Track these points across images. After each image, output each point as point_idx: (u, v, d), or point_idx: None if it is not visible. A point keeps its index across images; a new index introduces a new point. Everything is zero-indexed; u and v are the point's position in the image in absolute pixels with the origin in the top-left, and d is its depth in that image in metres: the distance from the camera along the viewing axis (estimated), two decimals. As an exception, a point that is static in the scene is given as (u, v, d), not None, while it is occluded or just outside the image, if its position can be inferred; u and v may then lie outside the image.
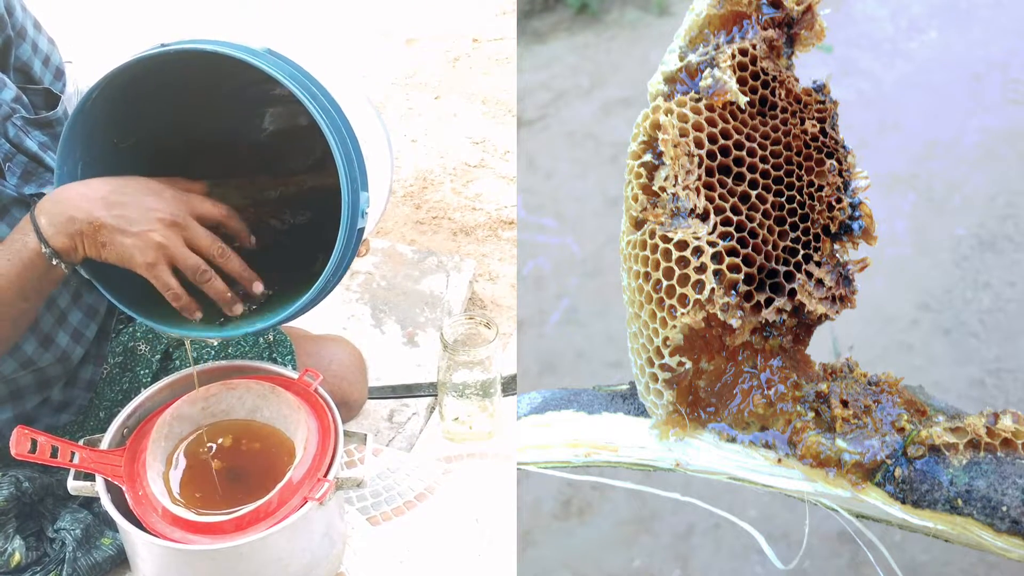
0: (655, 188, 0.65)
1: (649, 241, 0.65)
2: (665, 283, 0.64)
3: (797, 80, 0.69)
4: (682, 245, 0.64)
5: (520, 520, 1.64)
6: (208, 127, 1.07)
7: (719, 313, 0.63)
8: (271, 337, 1.27)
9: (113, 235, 0.89)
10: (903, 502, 0.61)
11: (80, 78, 1.20)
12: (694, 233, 0.64)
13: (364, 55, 2.95)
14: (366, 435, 1.05)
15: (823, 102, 0.69)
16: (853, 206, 0.68)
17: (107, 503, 0.93)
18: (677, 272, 0.64)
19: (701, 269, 0.63)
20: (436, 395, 1.38)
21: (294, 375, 1.06)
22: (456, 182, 2.39)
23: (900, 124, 2.48)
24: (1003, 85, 2.57)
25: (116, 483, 0.95)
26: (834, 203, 0.67)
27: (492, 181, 2.39)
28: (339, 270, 0.91)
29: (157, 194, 0.92)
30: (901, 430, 0.63)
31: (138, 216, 0.90)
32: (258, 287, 0.96)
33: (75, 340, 1.14)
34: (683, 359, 0.65)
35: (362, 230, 0.90)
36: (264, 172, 1.09)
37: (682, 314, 0.64)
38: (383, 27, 3.12)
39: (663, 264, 0.64)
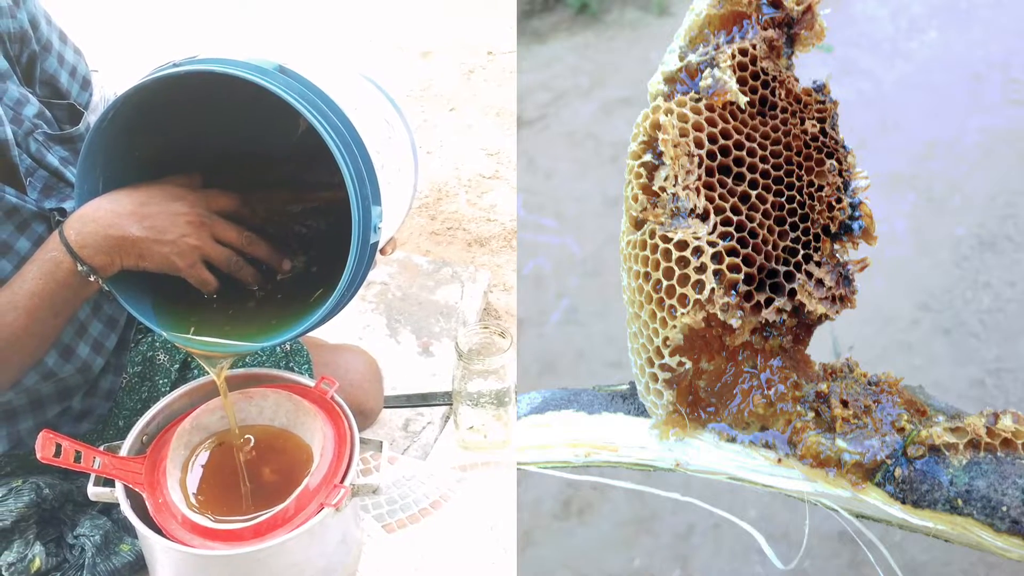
0: (655, 188, 0.65)
1: (649, 241, 0.65)
2: (665, 283, 0.64)
3: (797, 80, 0.69)
4: (682, 245, 0.64)
5: (520, 520, 1.64)
6: (230, 134, 1.07)
7: (719, 313, 0.63)
8: (288, 347, 1.28)
9: (150, 246, 0.93)
10: (903, 502, 0.61)
11: (107, 86, 1.20)
12: (694, 233, 0.64)
13: (380, 67, 2.96)
14: (382, 442, 1.05)
15: (823, 102, 0.69)
16: (853, 206, 0.68)
17: (127, 509, 0.94)
18: (677, 272, 0.64)
19: (701, 269, 0.63)
20: (451, 404, 1.38)
21: (311, 383, 1.07)
22: (471, 193, 2.39)
23: (900, 124, 2.49)
24: (1003, 85, 2.58)
25: (136, 490, 0.96)
26: (834, 203, 0.67)
27: (506, 192, 2.40)
28: (354, 283, 0.92)
29: (180, 198, 0.95)
30: (901, 430, 0.63)
31: (168, 224, 0.93)
32: (286, 264, 1.01)
33: (95, 351, 1.14)
34: (683, 359, 0.65)
35: (375, 244, 0.91)
36: (292, 183, 1.09)
37: (682, 314, 0.64)
38: (398, 40, 3.14)
39: (663, 264, 0.64)
